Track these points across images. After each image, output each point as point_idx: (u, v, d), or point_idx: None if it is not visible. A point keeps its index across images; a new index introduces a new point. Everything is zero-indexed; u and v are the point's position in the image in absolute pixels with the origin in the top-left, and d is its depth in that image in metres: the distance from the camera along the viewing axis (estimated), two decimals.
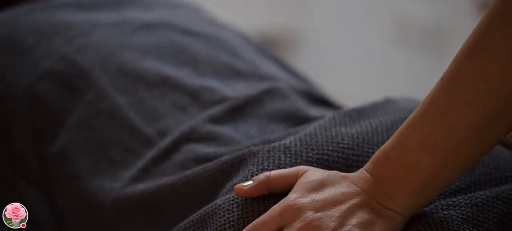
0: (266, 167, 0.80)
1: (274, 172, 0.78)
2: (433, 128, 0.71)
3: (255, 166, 0.81)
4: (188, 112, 0.98)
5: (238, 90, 1.02)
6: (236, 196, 0.79)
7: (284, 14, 2.95)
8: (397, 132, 0.73)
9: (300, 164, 0.80)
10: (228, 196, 0.80)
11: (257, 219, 0.75)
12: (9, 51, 1.04)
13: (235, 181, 0.82)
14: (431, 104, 0.71)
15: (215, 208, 0.79)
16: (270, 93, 1.02)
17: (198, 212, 0.81)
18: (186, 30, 1.10)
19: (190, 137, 0.95)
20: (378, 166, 0.73)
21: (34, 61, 1.02)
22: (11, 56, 1.03)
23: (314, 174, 0.76)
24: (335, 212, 0.72)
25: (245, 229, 0.75)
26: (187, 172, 0.88)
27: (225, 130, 0.95)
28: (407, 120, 0.73)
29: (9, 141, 0.99)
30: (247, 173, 0.81)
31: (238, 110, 0.99)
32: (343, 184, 0.74)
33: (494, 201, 0.77)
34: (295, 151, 0.82)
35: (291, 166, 0.80)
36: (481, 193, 0.77)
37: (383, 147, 0.74)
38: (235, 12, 2.31)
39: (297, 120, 0.98)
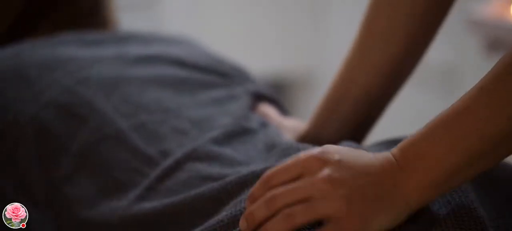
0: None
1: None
2: (468, 133, 0.72)
3: None
4: (189, 136, 1.01)
5: (234, 115, 1.06)
6: (242, 210, 0.80)
7: (298, 55, 2.97)
8: (427, 127, 0.75)
9: None
10: (231, 211, 0.81)
11: (279, 166, 0.77)
12: (14, 83, 1.08)
13: (241, 197, 0.84)
14: (467, 110, 0.73)
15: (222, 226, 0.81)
16: (263, 125, 1.06)
17: (203, 226, 0.83)
18: (183, 62, 1.15)
19: (192, 156, 0.97)
20: (404, 153, 0.74)
21: (37, 93, 1.06)
22: (16, 88, 1.07)
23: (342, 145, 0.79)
24: (352, 180, 0.73)
25: (269, 171, 0.77)
26: (192, 192, 0.90)
27: (226, 151, 0.98)
28: (438, 117, 0.74)
29: (17, 167, 1.03)
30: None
31: (235, 135, 1.02)
32: (371, 159, 0.75)
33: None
34: None
35: None
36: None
37: (411, 138, 0.75)
38: (249, 54, 2.35)
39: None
